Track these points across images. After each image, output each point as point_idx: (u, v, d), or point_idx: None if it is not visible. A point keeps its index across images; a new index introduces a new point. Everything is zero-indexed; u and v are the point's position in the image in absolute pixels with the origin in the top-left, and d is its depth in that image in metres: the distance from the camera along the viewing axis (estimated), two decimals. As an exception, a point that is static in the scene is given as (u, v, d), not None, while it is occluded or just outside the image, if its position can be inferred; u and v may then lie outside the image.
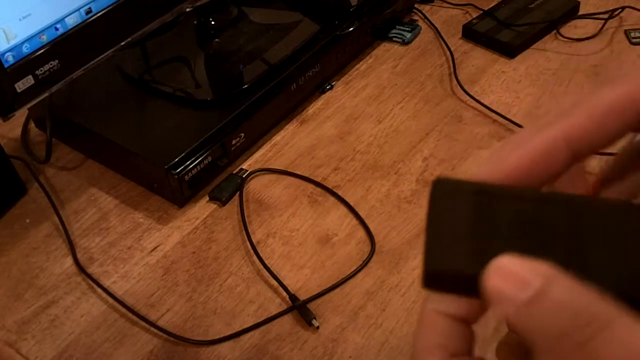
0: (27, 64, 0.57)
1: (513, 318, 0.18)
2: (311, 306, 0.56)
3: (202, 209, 0.66)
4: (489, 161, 0.22)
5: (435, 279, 0.20)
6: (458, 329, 0.22)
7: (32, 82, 0.58)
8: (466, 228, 0.21)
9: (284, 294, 0.57)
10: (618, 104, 0.21)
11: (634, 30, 0.81)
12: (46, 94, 0.60)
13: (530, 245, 0.20)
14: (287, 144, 0.72)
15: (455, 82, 0.77)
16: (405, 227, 0.61)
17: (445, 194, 0.21)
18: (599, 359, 0.17)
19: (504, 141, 0.23)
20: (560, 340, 0.17)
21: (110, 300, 0.58)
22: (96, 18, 0.62)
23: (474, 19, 0.85)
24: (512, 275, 0.18)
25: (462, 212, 0.21)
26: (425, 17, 0.88)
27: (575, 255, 0.20)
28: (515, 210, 0.21)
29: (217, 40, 0.79)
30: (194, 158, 0.64)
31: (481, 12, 0.86)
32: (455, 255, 0.20)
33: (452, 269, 0.20)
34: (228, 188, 0.67)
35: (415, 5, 0.89)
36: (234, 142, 0.68)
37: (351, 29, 0.79)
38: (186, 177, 0.63)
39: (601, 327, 0.17)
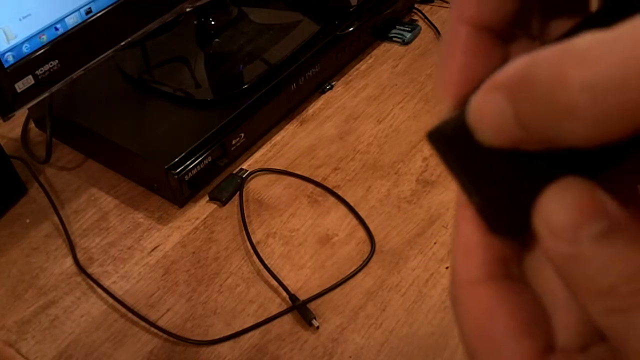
0: (27, 64, 0.57)
1: (562, 259, 0.15)
2: (311, 306, 0.56)
3: (202, 209, 0.66)
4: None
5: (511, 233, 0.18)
6: None
7: (32, 82, 0.58)
8: (501, 165, 0.17)
9: (284, 294, 0.57)
10: None
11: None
12: (46, 94, 0.60)
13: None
14: (287, 144, 0.72)
15: (455, 82, 0.77)
16: (405, 227, 0.61)
17: (449, 142, 0.18)
18: None
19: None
20: (604, 299, 0.15)
21: (110, 300, 0.58)
22: (96, 18, 0.62)
23: (474, 19, 0.85)
24: (582, 200, 0.15)
25: (481, 152, 0.17)
26: (425, 17, 0.88)
27: None
28: None
29: (217, 40, 0.79)
30: (194, 158, 0.64)
31: (481, 12, 0.86)
32: (515, 206, 0.17)
33: (523, 225, 0.17)
34: (228, 188, 0.67)
35: (415, 5, 0.89)
36: (234, 142, 0.68)
37: (351, 29, 0.79)
38: (186, 177, 0.63)
39: None
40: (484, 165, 0.17)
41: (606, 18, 0.15)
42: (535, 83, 0.14)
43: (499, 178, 0.17)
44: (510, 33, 0.19)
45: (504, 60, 0.19)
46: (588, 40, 0.13)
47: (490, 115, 0.15)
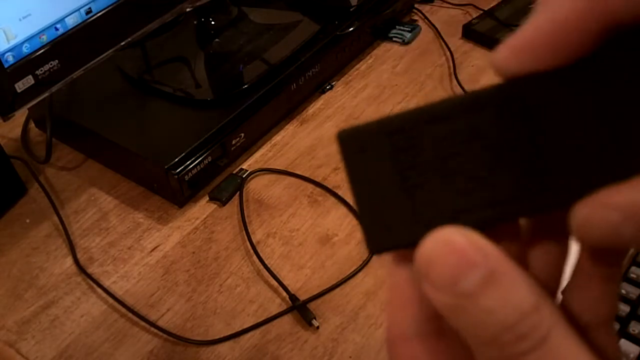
0: (27, 64, 0.57)
1: (447, 309, 0.16)
2: (311, 306, 0.56)
3: (202, 209, 0.66)
4: (510, 39, 0.18)
5: (383, 252, 0.18)
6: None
7: (32, 82, 0.58)
8: (394, 183, 0.17)
9: (284, 294, 0.57)
10: None
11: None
12: (46, 94, 0.60)
13: (473, 174, 0.16)
14: (287, 144, 0.72)
15: (455, 82, 0.77)
16: (405, 227, 0.61)
17: (358, 148, 0.17)
18: None
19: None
20: (491, 346, 0.16)
21: (110, 300, 0.58)
22: (96, 18, 0.62)
23: (474, 19, 0.85)
24: (454, 255, 0.16)
25: (382, 165, 0.17)
26: (425, 17, 0.88)
27: (536, 165, 0.16)
28: (443, 136, 0.17)
29: (217, 40, 0.79)
30: (194, 158, 0.64)
31: (481, 12, 0.86)
32: (394, 225, 0.17)
33: (396, 244, 0.17)
34: (228, 188, 0.67)
35: (415, 5, 0.89)
36: (234, 142, 0.68)
37: (351, 29, 0.79)
38: (186, 177, 0.63)
39: (540, 340, 0.15)
40: (381, 186, 0.17)
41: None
42: None
43: (388, 202, 0.17)
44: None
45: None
46: None
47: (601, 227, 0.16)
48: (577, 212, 0.16)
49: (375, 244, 0.17)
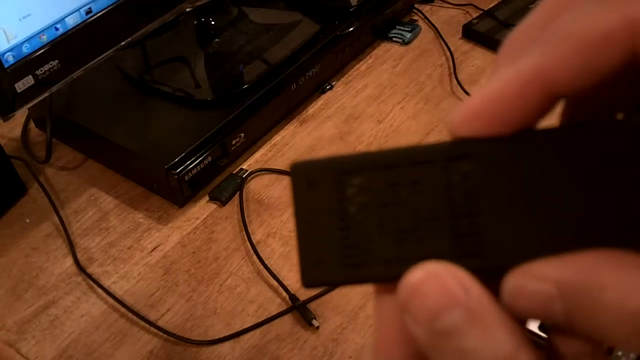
0: (27, 64, 0.57)
1: (425, 344, 0.16)
2: (311, 306, 0.56)
3: (202, 209, 0.66)
4: (459, 106, 0.18)
5: (314, 286, 0.18)
6: None
7: (32, 82, 0.58)
8: (333, 221, 0.17)
9: (284, 294, 0.57)
10: (613, 30, 0.15)
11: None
12: (46, 94, 0.60)
13: (409, 225, 0.17)
14: (287, 144, 0.72)
15: (455, 82, 0.77)
16: (405, 227, 0.61)
17: (306, 181, 0.18)
18: None
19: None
20: None
21: (110, 300, 0.58)
22: (96, 18, 0.62)
23: (474, 19, 0.85)
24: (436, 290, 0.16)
25: (326, 202, 0.17)
26: (425, 17, 0.88)
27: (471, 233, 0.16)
28: (389, 183, 0.17)
29: (217, 40, 0.79)
30: (194, 158, 0.64)
31: (481, 12, 0.86)
32: (326, 262, 0.17)
33: (326, 282, 0.18)
34: (228, 188, 0.67)
35: (415, 5, 0.89)
36: (234, 142, 0.68)
37: (351, 29, 0.79)
38: (186, 177, 0.63)
39: None
40: (321, 221, 0.18)
41: None
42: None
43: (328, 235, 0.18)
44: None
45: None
46: None
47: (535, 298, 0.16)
48: (509, 280, 0.16)
49: (307, 277, 0.18)
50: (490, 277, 0.16)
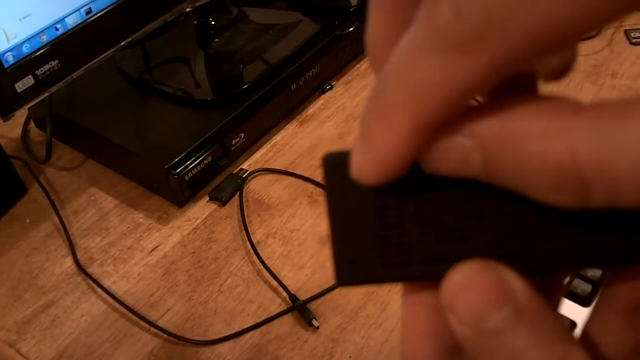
0: (27, 64, 0.57)
1: (471, 345, 0.15)
2: (311, 306, 0.56)
3: (202, 209, 0.66)
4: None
5: (349, 286, 0.17)
6: None
7: (32, 82, 0.58)
8: (371, 218, 0.17)
9: (284, 294, 0.57)
10: (482, 76, 0.14)
11: (634, 30, 0.81)
12: (46, 94, 0.60)
13: (452, 226, 0.16)
14: (287, 144, 0.72)
15: (455, 82, 0.77)
16: (405, 227, 0.61)
17: (342, 175, 0.17)
18: None
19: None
20: None
21: (110, 300, 0.58)
22: (96, 18, 0.62)
23: (474, 19, 0.84)
24: (482, 288, 0.15)
25: (363, 197, 0.16)
26: (425, 17, 0.88)
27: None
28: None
29: (217, 40, 0.79)
30: (194, 158, 0.64)
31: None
32: (361, 261, 0.17)
33: (362, 281, 0.17)
34: (228, 188, 0.67)
35: (415, 5, 0.89)
36: (234, 142, 0.68)
37: (351, 29, 0.79)
38: (186, 177, 0.63)
39: None
40: (357, 218, 0.17)
41: None
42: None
43: (367, 233, 0.17)
44: None
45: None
46: None
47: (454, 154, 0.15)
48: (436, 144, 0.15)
49: (342, 276, 0.17)
50: (532, 278, 0.16)
